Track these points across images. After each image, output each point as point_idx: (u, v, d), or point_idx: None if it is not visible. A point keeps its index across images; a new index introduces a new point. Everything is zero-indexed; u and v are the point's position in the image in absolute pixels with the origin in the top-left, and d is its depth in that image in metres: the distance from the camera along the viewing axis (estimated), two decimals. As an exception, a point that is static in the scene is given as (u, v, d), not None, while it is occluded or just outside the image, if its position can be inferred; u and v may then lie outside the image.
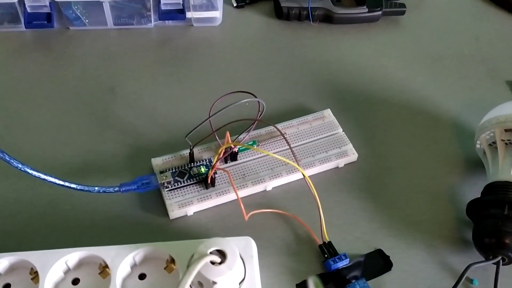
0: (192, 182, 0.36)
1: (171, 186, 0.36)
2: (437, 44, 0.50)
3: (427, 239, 0.36)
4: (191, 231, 0.35)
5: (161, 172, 0.36)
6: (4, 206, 0.36)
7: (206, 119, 0.35)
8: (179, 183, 0.36)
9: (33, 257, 0.30)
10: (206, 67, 0.46)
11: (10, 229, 0.35)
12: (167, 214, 0.36)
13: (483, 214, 0.34)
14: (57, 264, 0.30)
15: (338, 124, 0.41)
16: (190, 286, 0.28)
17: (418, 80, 0.47)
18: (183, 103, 0.43)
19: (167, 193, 0.36)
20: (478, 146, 0.39)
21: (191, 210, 0.36)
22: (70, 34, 0.47)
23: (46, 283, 0.29)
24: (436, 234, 0.36)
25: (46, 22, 0.46)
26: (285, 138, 0.36)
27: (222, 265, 0.28)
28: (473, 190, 0.38)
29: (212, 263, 0.28)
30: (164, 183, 0.35)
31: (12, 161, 0.30)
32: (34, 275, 0.30)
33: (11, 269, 0.31)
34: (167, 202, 0.35)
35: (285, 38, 0.49)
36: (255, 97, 0.36)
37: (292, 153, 0.36)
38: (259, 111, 0.36)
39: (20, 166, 0.30)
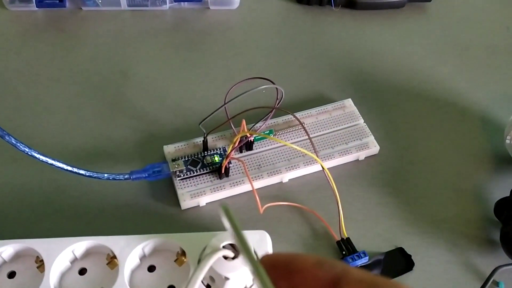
0: (205, 172, 0.35)
1: (183, 175, 0.34)
2: (465, 33, 0.48)
3: (451, 238, 0.34)
4: (203, 222, 0.34)
5: (173, 160, 0.35)
6: (11, 191, 0.34)
7: (221, 106, 0.33)
8: (191, 172, 0.34)
9: (39, 245, 0.28)
10: (222, 51, 0.44)
11: (15, 215, 0.33)
12: (178, 204, 0.34)
13: (513, 214, 0.32)
14: (63, 253, 0.28)
15: (359, 115, 0.39)
16: (202, 281, 0.27)
17: (444, 70, 0.44)
18: (197, 89, 0.41)
19: (179, 182, 0.34)
20: (508, 141, 0.37)
21: (203, 200, 0.34)
22: (82, 14, 0.46)
23: (52, 272, 0.28)
24: (461, 233, 0.34)
25: (58, 1, 0.45)
26: (304, 128, 0.34)
27: (236, 260, 0.27)
28: (501, 188, 0.36)
29: (225, 257, 0.27)
30: (176, 171, 0.34)
31: (18, 144, 0.28)
32: (40, 264, 0.29)
33: (17, 256, 0.29)
34: (179, 192, 0.34)
35: (305, 23, 0.47)
36: (273, 83, 0.34)
37: (312, 144, 0.34)
38: (277, 98, 0.35)
39: (27, 150, 0.29)
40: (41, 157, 0.29)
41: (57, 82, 0.41)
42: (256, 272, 0.14)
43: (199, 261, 0.28)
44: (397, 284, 0.13)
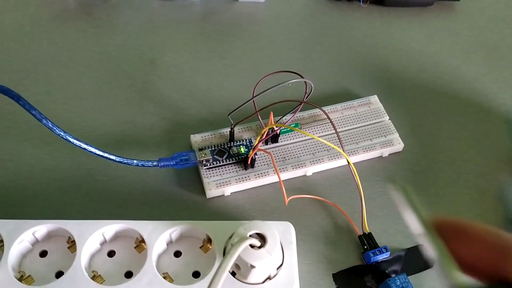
0: (231, 162, 0.35)
1: (210, 165, 0.35)
2: (494, 33, 0.47)
3: (472, 238, 0.34)
4: (227, 211, 0.35)
5: (200, 150, 0.35)
6: (43, 173, 0.35)
7: (251, 99, 0.34)
8: (217, 161, 0.35)
9: (72, 226, 0.29)
10: (249, 44, 0.44)
11: (46, 197, 0.34)
12: (203, 193, 0.35)
13: (537, 217, 0.32)
14: (94, 235, 0.29)
15: (385, 112, 0.39)
16: (228, 268, 0.27)
17: (471, 70, 0.44)
18: (224, 80, 0.42)
19: (205, 171, 0.35)
20: (534, 144, 0.37)
21: (228, 190, 0.35)
22: (113, 2, 0.46)
23: (83, 253, 0.29)
24: (483, 233, 0.35)
25: (89, -12, 0.45)
26: (332, 122, 0.34)
27: (262, 249, 0.27)
28: (525, 191, 0.36)
29: (252, 246, 0.27)
30: (202, 160, 0.35)
31: (55, 128, 0.29)
32: (71, 244, 0.30)
33: (49, 236, 0.30)
34: (205, 181, 0.34)
35: (333, 18, 0.47)
36: (302, 77, 0.34)
37: (339, 139, 0.35)
38: (305, 92, 0.35)
39: (62, 134, 0.30)
40: (75, 141, 0.30)
41: (87, 68, 0.42)
42: (427, 232, 0.16)
43: (225, 249, 0.29)
44: None
